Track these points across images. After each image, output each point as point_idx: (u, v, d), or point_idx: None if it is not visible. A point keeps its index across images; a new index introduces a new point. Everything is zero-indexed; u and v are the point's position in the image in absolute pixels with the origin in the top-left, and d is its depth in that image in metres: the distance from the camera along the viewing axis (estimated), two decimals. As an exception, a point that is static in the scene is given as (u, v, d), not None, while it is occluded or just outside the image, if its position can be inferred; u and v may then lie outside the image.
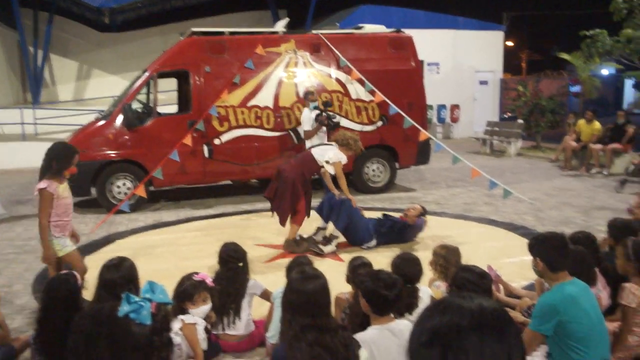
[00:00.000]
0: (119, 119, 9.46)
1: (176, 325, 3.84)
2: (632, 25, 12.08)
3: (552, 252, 3.43)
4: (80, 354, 1.98)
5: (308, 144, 9.19)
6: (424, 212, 7.27)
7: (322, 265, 5.89)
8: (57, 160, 4.90)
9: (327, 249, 6.82)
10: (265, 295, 4.49)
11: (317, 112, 9.26)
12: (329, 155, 7.03)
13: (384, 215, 7.39)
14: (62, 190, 4.92)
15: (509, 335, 1.15)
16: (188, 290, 3.95)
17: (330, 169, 7.04)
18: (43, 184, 4.75)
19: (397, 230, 7.11)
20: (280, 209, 6.95)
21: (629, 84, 18.21)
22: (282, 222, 7.02)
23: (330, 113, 9.45)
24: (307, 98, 9.51)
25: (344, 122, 9.98)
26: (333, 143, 7.23)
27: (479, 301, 1.20)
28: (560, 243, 3.49)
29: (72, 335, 2.05)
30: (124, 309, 1.97)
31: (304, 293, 2.86)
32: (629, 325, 3.91)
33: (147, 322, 1.99)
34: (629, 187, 10.43)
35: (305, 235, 7.09)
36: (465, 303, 1.19)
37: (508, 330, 1.16)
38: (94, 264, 6.29)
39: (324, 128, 9.23)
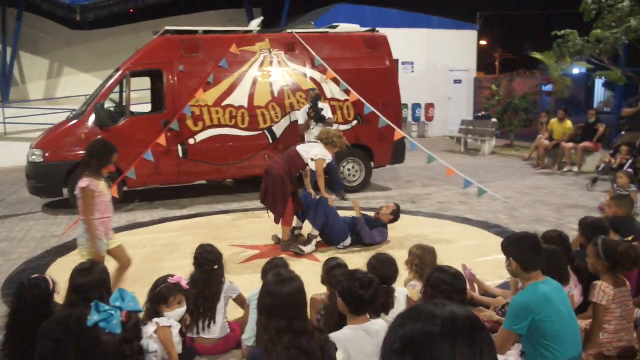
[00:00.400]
0: (92, 119, 9.32)
1: (151, 328, 3.80)
2: (602, 26, 12.27)
3: (525, 252, 3.47)
4: None
5: (306, 136, 9.56)
6: (397, 210, 7.30)
7: (298, 265, 5.87)
8: (97, 158, 5.00)
9: (308, 248, 6.82)
10: (240, 300, 4.45)
11: (309, 106, 9.53)
12: (314, 153, 7.08)
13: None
14: (102, 187, 5.01)
15: (481, 342, 1.16)
16: (163, 293, 3.90)
17: (312, 166, 7.07)
18: (84, 182, 4.85)
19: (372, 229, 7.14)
20: (274, 207, 6.93)
21: (599, 83, 18.48)
22: (277, 220, 7.00)
23: (320, 107, 9.54)
24: (309, 95, 9.72)
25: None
26: (318, 141, 7.26)
27: (451, 308, 1.20)
28: (533, 243, 3.53)
29: (39, 341, 2.01)
30: (93, 318, 1.93)
31: (279, 296, 2.85)
32: (600, 322, 3.98)
33: (117, 331, 1.96)
34: (600, 185, 10.61)
35: (280, 236, 7.08)
36: (438, 310, 1.19)
37: (480, 338, 1.17)
38: (67, 266, 6.20)
39: (320, 127, 9.37)
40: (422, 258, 4.62)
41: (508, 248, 3.58)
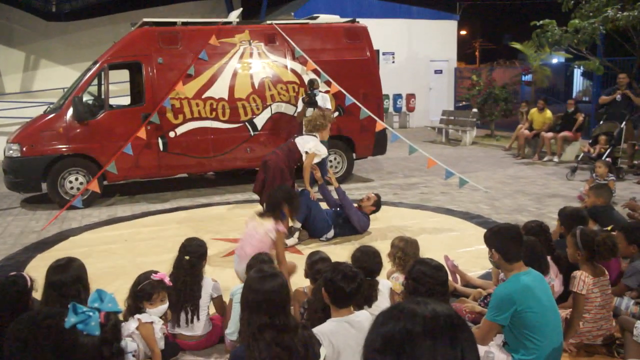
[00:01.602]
0: (69, 112, 9.20)
1: (132, 324, 3.77)
2: (579, 16, 12.37)
3: (507, 243, 3.50)
4: None
5: (304, 128, 9.55)
6: (378, 201, 7.31)
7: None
8: (288, 202, 5.37)
9: (290, 241, 6.81)
10: (219, 302, 4.38)
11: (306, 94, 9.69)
12: (308, 146, 7.11)
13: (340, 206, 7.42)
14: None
15: (462, 340, 1.16)
16: (147, 290, 3.87)
17: (308, 150, 7.13)
18: (280, 227, 5.04)
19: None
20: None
21: (578, 73, 18.65)
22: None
23: (316, 92, 9.65)
24: (312, 86, 9.75)
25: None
26: (316, 134, 7.26)
27: (433, 306, 1.20)
28: (515, 234, 3.56)
29: (6, 341, 1.97)
30: (70, 320, 1.89)
31: (261, 292, 2.83)
32: (580, 311, 4.03)
33: (95, 332, 1.93)
34: (580, 174, 10.72)
35: None
36: (419, 309, 1.20)
37: (461, 336, 1.17)
38: (46, 262, 6.12)
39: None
40: (405, 250, 4.63)
41: (490, 239, 3.60)
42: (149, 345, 3.76)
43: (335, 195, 7.30)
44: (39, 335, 1.90)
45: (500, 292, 3.48)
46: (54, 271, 3.51)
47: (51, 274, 3.50)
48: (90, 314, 1.93)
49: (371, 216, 7.27)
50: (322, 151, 7.19)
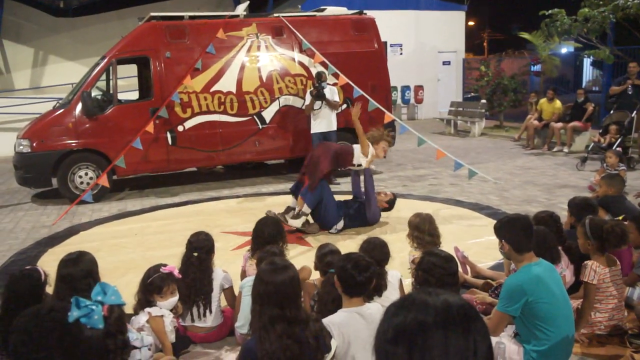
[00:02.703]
0: (78, 107, 9.23)
1: (143, 318, 3.79)
2: (589, 4, 12.26)
3: (517, 234, 3.48)
4: (21, 355, 1.91)
5: (313, 121, 9.75)
6: (394, 201, 7.33)
7: (292, 251, 5.86)
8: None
9: (295, 222, 6.80)
10: (230, 292, 4.40)
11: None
12: (361, 160, 7.15)
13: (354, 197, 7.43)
14: None
15: (475, 331, 1.16)
16: (157, 283, 3.88)
17: (363, 162, 7.13)
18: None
19: (365, 212, 7.15)
20: (314, 172, 6.92)
21: (587, 62, 18.50)
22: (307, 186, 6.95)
23: (324, 85, 9.62)
24: (319, 79, 9.69)
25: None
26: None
27: (445, 297, 1.20)
28: (525, 225, 3.54)
29: (12, 335, 1.98)
30: (73, 314, 1.90)
31: (272, 284, 2.84)
32: (591, 302, 4.01)
33: (99, 326, 1.93)
34: (590, 164, 10.65)
35: (276, 213, 6.98)
36: (431, 299, 1.19)
37: (473, 326, 1.16)
38: (57, 257, 6.16)
39: (327, 110, 9.63)
40: (419, 226, 4.71)
41: (500, 230, 3.59)
42: (159, 339, 3.77)
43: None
44: (44, 329, 1.91)
45: (511, 282, 3.46)
46: (65, 264, 3.53)
47: (62, 268, 3.52)
48: (94, 307, 1.94)
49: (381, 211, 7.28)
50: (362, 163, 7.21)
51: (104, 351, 1.96)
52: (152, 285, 3.87)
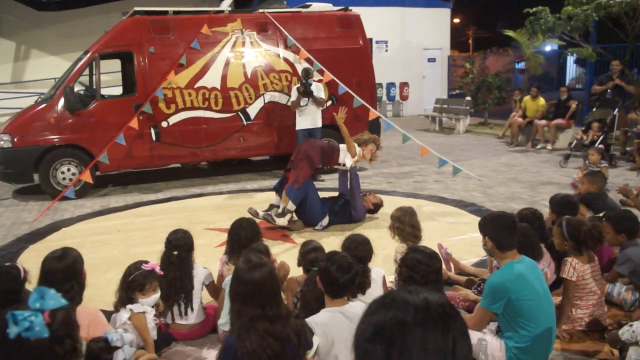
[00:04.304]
0: (61, 102, 9.12)
1: (125, 315, 3.75)
2: (572, 3, 12.35)
3: (501, 231, 3.50)
4: None
5: (298, 118, 9.74)
6: (379, 206, 7.37)
7: (275, 248, 5.86)
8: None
9: (280, 220, 6.79)
10: (212, 287, 4.39)
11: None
12: (346, 161, 7.18)
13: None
14: None
15: (454, 330, 1.16)
16: (139, 280, 3.84)
17: (348, 162, 7.16)
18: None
19: (349, 208, 7.16)
20: (299, 168, 6.91)
21: (571, 60, 18.65)
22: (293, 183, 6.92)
23: (311, 82, 9.58)
24: (307, 75, 9.64)
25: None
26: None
27: (425, 295, 1.20)
28: (509, 223, 3.56)
29: None
30: (13, 330, 1.83)
31: (250, 283, 2.80)
32: (570, 298, 4.05)
33: (43, 335, 1.87)
34: (572, 161, 10.74)
35: (260, 212, 6.97)
36: (411, 298, 1.19)
37: (453, 325, 1.16)
38: (38, 253, 6.11)
39: (313, 107, 9.61)
40: (400, 219, 4.78)
41: (484, 227, 3.61)
42: (141, 336, 3.74)
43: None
44: None
45: (494, 280, 3.48)
46: (49, 262, 3.47)
47: (46, 264, 3.45)
48: (32, 318, 1.86)
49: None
50: (347, 163, 7.21)
51: (52, 357, 1.90)
52: (134, 282, 3.84)
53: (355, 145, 7.21)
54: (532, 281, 3.42)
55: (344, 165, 7.23)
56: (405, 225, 4.74)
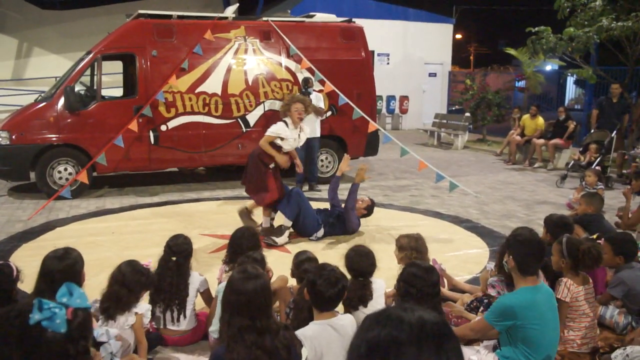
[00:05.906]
0: (61, 102, 9.12)
1: (130, 319, 3.72)
2: (574, 24, 12.42)
3: (527, 256, 3.47)
4: None
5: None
6: (372, 206, 7.32)
7: (269, 257, 5.82)
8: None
9: (280, 240, 6.77)
10: (206, 295, 4.37)
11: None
12: (270, 129, 7.07)
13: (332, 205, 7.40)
14: None
15: (448, 350, 1.15)
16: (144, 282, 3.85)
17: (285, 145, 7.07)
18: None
19: (344, 220, 7.14)
20: (254, 187, 6.93)
21: (571, 80, 18.75)
22: (258, 202, 6.98)
23: (310, 91, 9.62)
24: (306, 84, 9.71)
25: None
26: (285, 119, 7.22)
27: (420, 314, 1.19)
28: (537, 249, 3.53)
29: None
30: (35, 317, 1.83)
31: (243, 293, 2.78)
32: (563, 319, 4.04)
33: (61, 330, 1.87)
34: (569, 181, 10.77)
35: (272, 239, 6.92)
36: (406, 315, 1.19)
37: (447, 345, 1.16)
38: (32, 252, 6.10)
39: (312, 116, 9.42)
40: (418, 249, 4.57)
41: (512, 246, 3.56)
42: (138, 337, 3.72)
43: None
44: (5, 330, 1.85)
45: (505, 302, 3.46)
46: (49, 261, 3.44)
47: (46, 263, 3.43)
48: (56, 310, 1.87)
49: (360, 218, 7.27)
50: (281, 132, 7.01)
51: (63, 356, 1.90)
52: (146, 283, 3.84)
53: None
54: (545, 310, 3.39)
55: (295, 140, 7.17)
56: (423, 254, 4.57)
